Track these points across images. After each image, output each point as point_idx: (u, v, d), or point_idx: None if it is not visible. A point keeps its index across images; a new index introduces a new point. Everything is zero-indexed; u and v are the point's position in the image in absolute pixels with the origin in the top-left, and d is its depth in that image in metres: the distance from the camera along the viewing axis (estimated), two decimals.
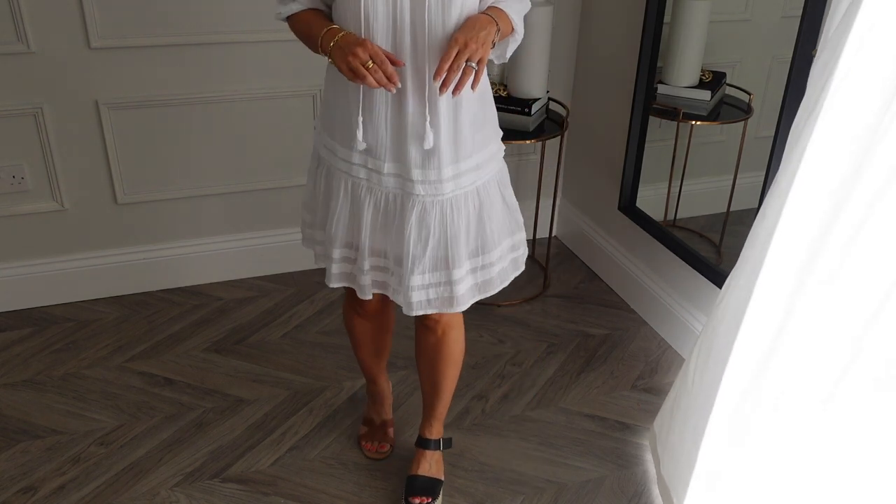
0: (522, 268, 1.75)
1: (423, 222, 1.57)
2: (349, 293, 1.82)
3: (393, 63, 1.44)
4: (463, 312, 1.73)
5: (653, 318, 2.64)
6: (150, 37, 2.37)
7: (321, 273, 2.88)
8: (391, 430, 2.10)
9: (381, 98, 1.51)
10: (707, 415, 1.69)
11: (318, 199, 1.70)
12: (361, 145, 1.53)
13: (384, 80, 1.43)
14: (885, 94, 1.32)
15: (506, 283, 1.71)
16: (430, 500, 1.89)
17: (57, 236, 2.56)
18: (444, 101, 1.49)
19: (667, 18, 2.38)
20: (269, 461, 2.05)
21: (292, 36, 2.72)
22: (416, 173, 1.54)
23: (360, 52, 1.41)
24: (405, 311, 1.64)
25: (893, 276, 1.39)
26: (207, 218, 2.70)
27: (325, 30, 1.48)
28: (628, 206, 2.67)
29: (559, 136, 2.72)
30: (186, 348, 2.45)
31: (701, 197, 2.66)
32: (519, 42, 1.59)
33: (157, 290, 2.73)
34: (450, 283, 1.62)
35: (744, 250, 1.69)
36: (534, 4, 2.48)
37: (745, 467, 1.70)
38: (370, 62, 1.41)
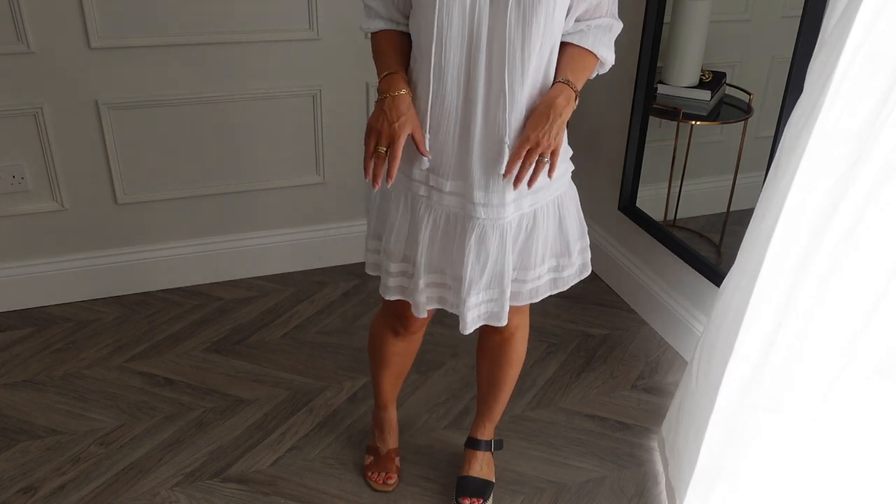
0: (563, 288, 1.66)
1: (482, 246, 1.50)
2: (386, 310, 1.77)
3: (421, 153, 1.43)
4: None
5: (653, 318, 2.64)
6: (150, 37, 2.37)
7: (321, 273, 2.90)
8: (397, 460, 2.02)
9: (451, 115, 1.43)
10: (708, 415, 1.70)
11: (373, 206, 1.62)
12: (425, 164, 1.47)
13: (378, 173, 1.40)
14: (882, 92, 1.32)
15: (535, 300, 1.64)
16: (480, 501, 1.89)
17: (57, 236, 2.56)
18: (514, 119, 1.42)
19: (667, 18, 2.38)
20: (269, 461, 2.05)
21: (292, 36, 2.69)
22: (478, 195, 1.46)
23: (383, 135, 1.39)
24: (461, 328, 1.58)
25: (889, 274, 1.39)
26: (207, 218, 2.70)
27: (385, 74, 1.44)
28: (628, 206, 2.67)
29: None
30: (186, 348, 2.45)
31: (701, 197, 2.66)
32: (608, 68, 1.54)
33: (157, 290, 2.73)
34: (500, 300, 1.57)
35: (742, 249, 1.69)
36: None
37: (744, 467, 1.70)
38: (383, 149, 1.39)
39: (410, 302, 1.61)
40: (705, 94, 2.43)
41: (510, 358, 1.82)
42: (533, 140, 1.38)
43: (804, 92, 1.46)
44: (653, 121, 2.52)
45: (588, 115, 2.86)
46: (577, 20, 1.47)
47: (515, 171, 1.41)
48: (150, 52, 2.39)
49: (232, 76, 2.50)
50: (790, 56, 1.90)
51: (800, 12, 1.85)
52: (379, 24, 1.49)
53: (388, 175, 1.40)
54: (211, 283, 2.78)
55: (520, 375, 2.37)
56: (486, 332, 1.80)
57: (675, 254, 2.47)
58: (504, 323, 1.60)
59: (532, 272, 1.59)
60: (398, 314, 1.72)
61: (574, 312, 2.71)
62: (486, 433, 1.96)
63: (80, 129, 2.43)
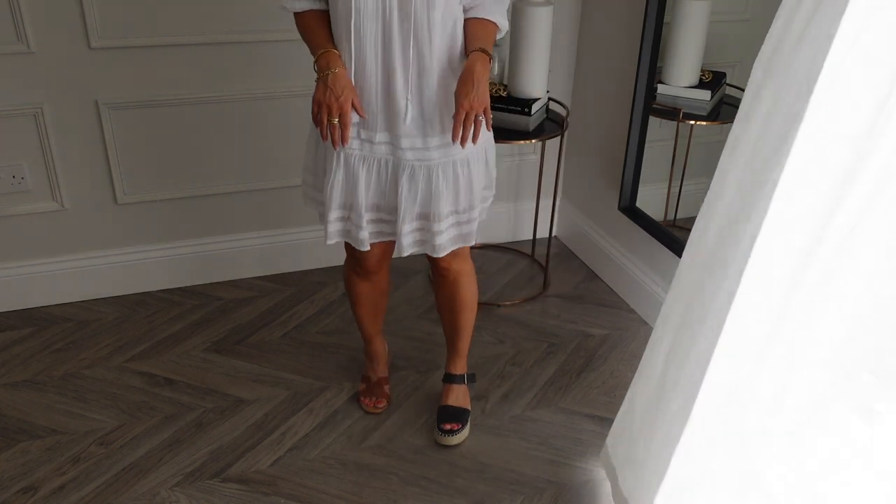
0: (484, 216, 1.94)
1: (412, 181, 1.78)
2: (349, 256, 2.02)
3: (360, 116, 1.71)
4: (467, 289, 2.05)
5: (653, 319, 2.63)
6: (150, 37, 2.37)
7: (321, 273, 2.90)
8: (387, 387, 2.27)
9: (372, 75, 1.68)
10: (682, 423, 1.62)
11: (318, 162, 1.86)
12: (355, 119, 1.72)
13: (336, 139, 1.69)
14: (880, 93, 1.30)
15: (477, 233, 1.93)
16: (459, 426, 2.12)
17: (57, 236, 2.56)
18: (428, 80, 1.69)
19: (667, 18, 2.38)
20: (269, 461, 2.05)
21: (292, 36, 2.71)
22: (405, 142, 1.74)
23: (333, 109, 1.66)
24: (397, 250, 1.86)
25: (883, 279, 1.38)
26: (207, 218, 2.70)
27: (321, 52, 1.68)
28: (628, 206, 2.67)
29: (559, 136, 2.72)
30: (186, 348, 2.45)
31: (701, 197, 2.63)
32: (504, 33, 1.80)
33: (157, 290, 2.73)
34: (431, 232, 1.83)
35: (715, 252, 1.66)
36: (534, 4, 2.48)
37: (723, 477, 1.66)
38: (336, 119, 1.66)
39: (351, 241, 1.87)
40: (705, 94, 2.43)
41: (461, 298, 2.05)
42: (466, 106, 1.64)
43: (788, 88, 1.44)
44: (653, 121, 2.52)
45: (588, 115, 2.86)
46: None
47: (460, 133, 1.66)
48: (150, 52, 2.39)
49: (232, 76, 2.50)
50: None
51: None
52: (304, 4, 1.73)
53: (343, 139, 1.69)
54: (211, 283, 2.78)
55: (520, 375, 2.38)
56: (436, 279, 2.05)
57: (676, 254, 2.47)
58: (440, 254, 1.86)
59: (476, 210, 1.87)
60: (354, 258, 2.00)
61: (574, 312, 2.71)
62: (459, 367, 2.19)
63: (80, 129, 2.43)
